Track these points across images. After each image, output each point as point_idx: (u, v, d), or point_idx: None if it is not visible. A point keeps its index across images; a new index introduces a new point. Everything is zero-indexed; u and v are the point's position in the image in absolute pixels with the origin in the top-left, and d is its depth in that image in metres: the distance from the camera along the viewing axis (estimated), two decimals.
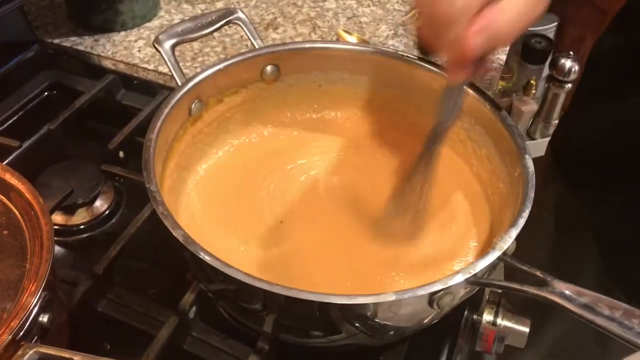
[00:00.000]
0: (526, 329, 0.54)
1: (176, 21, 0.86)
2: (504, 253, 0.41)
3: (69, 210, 0.60)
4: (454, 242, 0.53)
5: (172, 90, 0.52)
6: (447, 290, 0.39)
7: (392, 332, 0.47)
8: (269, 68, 0.57)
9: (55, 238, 0.43)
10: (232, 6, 0.62)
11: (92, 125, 0.71)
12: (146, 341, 0.48)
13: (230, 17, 0.57)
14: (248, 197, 0.56)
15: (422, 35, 0.44)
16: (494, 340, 0.54)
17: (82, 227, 0.61)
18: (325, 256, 0.51)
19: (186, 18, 0.61)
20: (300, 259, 0.51)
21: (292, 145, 0.61)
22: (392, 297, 0.38)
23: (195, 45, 0.81)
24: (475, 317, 0.55)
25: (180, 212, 0.53)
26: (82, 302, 0.51)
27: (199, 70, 0.55)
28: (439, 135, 0.48)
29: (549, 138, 0.85)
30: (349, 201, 0.56)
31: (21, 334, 0.38)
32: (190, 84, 0.52)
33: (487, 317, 0.54)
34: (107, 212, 0.62)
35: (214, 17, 0.56)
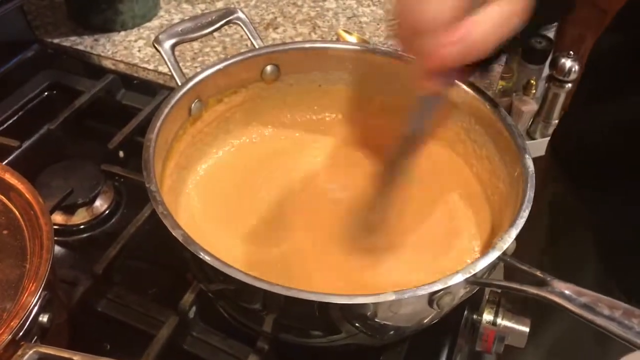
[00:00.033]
0: (526, 329, 0.54)
1: (176, 21, 0.86)
2: (504, 253, 0.41)
3: (69, 210, 0.60)
4: (454, 242, 0.53)
5: (172, 90, 0.52)
6: (446, 290, 0.39)
7: (392, 332, 0.47)
8: (268, 68, 0.57)
9: (55, 238, 0.43)
10: (232, 6, 0.62)
11: (92, 125, 0.71)
12: (146, 341, 0.49)
13: (230, 17, 0.57)
14: (248, 197, 0.56)
15: (399, 43, 0.43)
16: (494, 340, 0.54)
17: (82, 227, 0.61)
18: (325, 257, 0.51)
19: (186, 18, 0.61)
20: (300, 259, 0.51)
21: (292, 146, 0.61)
22: (392, 297, 0.38)
23: (195, 45, 0.81)
24: (475, 317, 0.55)
25: (180, 212, 0.53)
26: (82, 302, 0.51)
27: (198, 70, 0.55)
28: (408, 145, 0.48)
29: (549, 138, 0.85)
30: (349, 201, 0.56)
31: (21, 333, 0.38)
32: (190, 83, 0.52)
33: (487, 316, 0.54)
34: (107, 212, 0.62)
35: (213, 17, 0.56)
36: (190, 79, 0.53)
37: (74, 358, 0.38)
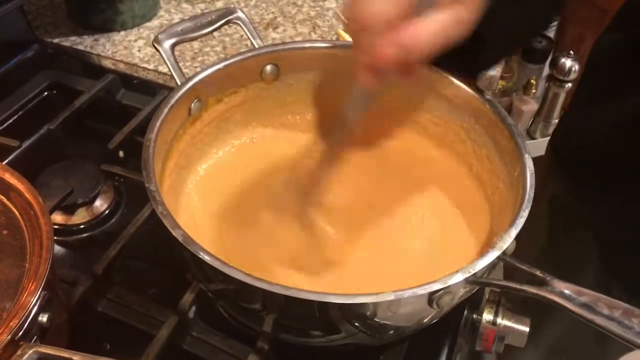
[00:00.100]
0: (526, 329, 0.54)
1: (176, 21, 0.86)
2: (504, 252, 0.41)
3: (69, 209, 0.60)
4: (454, 242, 0.53)
5: (171, 90, 0.52)
6: (446, 290, 0.39)
7: (391, 332, 0.47)
8: (268, 68, 0.57)
9: (55, 238, 0.43)
10: (232, 6, 0.62)
11: (92, 125, 0.71)
12: (146, 341, 0.49)
13: (230, 17, 0.57)
14: (248, 197, 0.56)
15: (349, 36, 0.44)
16: (493, 339, 0.54)
17: (81, 226, 0.61)
18: (325, 256, 0.51)
19: (186, 17, 0.61)
20: (300, 259, 0.51)
21: (292, 146, 0.61)
22: (392, 297, 0.38)
23: (195, 44, 0.81)
24: (475, 316, 0.55)
25: (179, 211, 0.53)
26: (81, 301, 0.51)
27: (198, 70, 0.55)
28: (344, 127, 0.50)
29: (549, 137, 0.85)
30: (349, 201, 0.56)
31: (20, 333, 0.38)
32: (190, 83, 0.52)
33: (487, 316, 0.54)
34: (106, 211, 0.62)
35: (213, 17, 0.56)
36: (190, 78, 0.53)
37: (74, 358, 0.38)
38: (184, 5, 0.89)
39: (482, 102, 0.53)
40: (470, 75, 0.53)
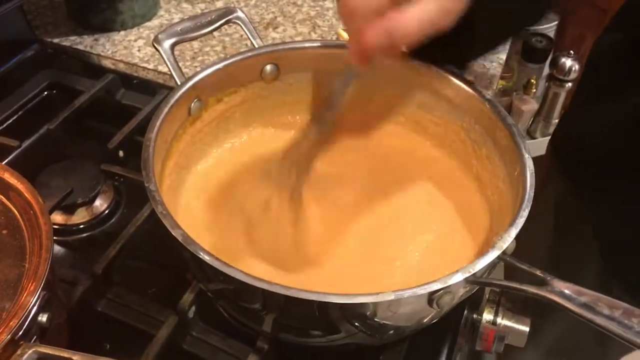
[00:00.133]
0: (526, 328, 0.54)
1: (176, 20, 0.86)
2: (504, 252, 0.41)
3: (69, 209, 0.60)
4: (454, 242, 0.53)
5: (171, 89, 0.52)
6: (446, 290, 0.39)
7: (391, 332, 0.47)
8: (268, 67, 0.57)
9: (55, 237, 0.43)
10: (232, 5, 0.62)
11: (92, 124, 0.71)
12: (146, 341, 0.48)
13: (230, 17, 0.57)
14: (248, 196, 0.56)
15: (342, 21, 0.46)
16: (493, 339, 0.54)
17: (81, 226, 0.61)
18: (325, 255, 0.51)
19: (186, 17, 0.60)
20: (299, 258, 0.51)
21: (293, 146, 0.61)
22: (392, 297, 0.38)
23: (195, 44, 0.81)
24: (475, 316, 0.55)
25: (179, 211, 0.53)
26: (81, 301, 0.51)
27: (198, 69, 0.55)
28: (331, 103, 0.51)
29: (549, 137, 0.85)
30: (350, 200, 0.56)
31: (20, 333, 0.38)
32: (190, 83, 0.52)
33: (487, 316, 0.54)
34: (106, 211, 0.62)
35: (213, 17, 0.56)
36: (190, 78, 0.53)
37: (74, 358, 0.38)
38: (184, 5, 0.89)
39: (482, 101, 0.53)
40: (456, 65, 0.54)
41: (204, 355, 0.50)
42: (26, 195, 0.45)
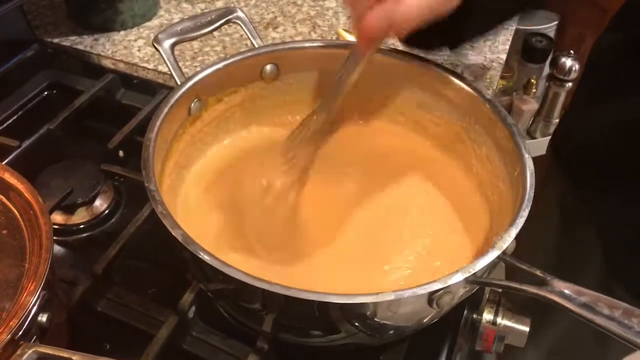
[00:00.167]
0: (526, 328, 0.54)
1: (176, 20, 0.86)
2: (504, 252, 0.41)
3: (69, 209, 0.60)
4: (454, 241, 0.53)
5: (171, 89, 0.52)
6: (446, 290, 0.39)
7: (391, 332, 0.47)
8: (268, 67, 0.57)
9: (55, 237, 0.43)
10: (232, 5, 0.62)
11: (92, 124, 0.71)
12: (146, 341, 0.48)
13: (230, 16, 0.57)
14: (248, 196, 0.56)
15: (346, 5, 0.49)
16: (493, 339, 0.54)
17: (81, 226, 0.61)
18: (324, 254, 0.51)
19: (186, 17, 0.60)
20: (299, 257, 0.51)
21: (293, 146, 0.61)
22: (392, 297, 0.38)
23: (195, 44, 0.81)
24: (475, 316, 0.55)
25: (179, 211, 0.53)
26: (81, 301, 0.51)
27: (198, 69, 0.55)
28: (336, 88, 0.52)
29: (549, 137, 0.85)
30: (348, 199, 0.56)
31: (20, 333, 0.38)
32: (190, 83, 0.52)
33: (487, 316, 0.54)
34: (106, 211, 0.62)
35: (213, 16, 0.56)
36: (190, 78, 0.53)
37: (73, 358, 0.38)
38: (184, 4, 0.89)
39: (482, 101, 0.53)
40: (449, 47, 0.55)
41: (204, 355, 0.50)
42: (26, 195, 0.45)
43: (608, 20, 0.70)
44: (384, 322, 0.42)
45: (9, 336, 0.37)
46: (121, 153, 0.65)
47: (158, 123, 0.49)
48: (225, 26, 0.57)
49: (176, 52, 0.54)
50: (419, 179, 0.58)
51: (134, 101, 0.73)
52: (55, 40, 0.82)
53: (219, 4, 0.90)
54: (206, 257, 0.39)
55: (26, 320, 0.39)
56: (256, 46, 0.57)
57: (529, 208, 0.44)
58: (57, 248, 0.58)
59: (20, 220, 0.45)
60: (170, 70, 0.53)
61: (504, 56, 0.82)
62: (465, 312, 0.54)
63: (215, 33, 0.82)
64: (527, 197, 0.44)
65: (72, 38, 0.82)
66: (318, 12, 0.89)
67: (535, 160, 0.49)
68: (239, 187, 0.56)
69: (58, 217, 0.60)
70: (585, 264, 0.75)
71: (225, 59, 0.55)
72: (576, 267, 0.74)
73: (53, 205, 0.57)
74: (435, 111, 0.58)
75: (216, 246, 0.49)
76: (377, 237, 0.53)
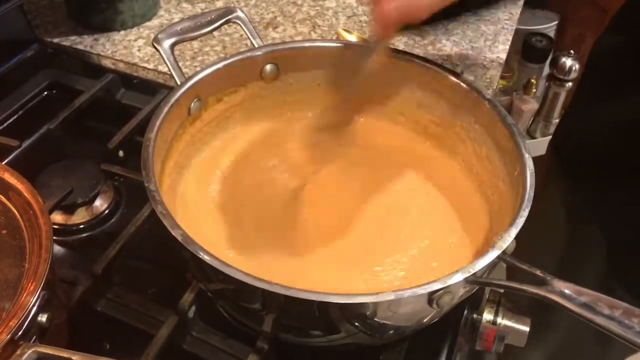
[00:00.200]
0: (526, 328, 0.54)
1: (176, 20, 0.85)
2: (504, 252, 0.41)
3: (69, 209, 0.60)
4: (453, 241, 0.53)
5: (171, 89, 0.52)
6: (446, 290, 0.39)
7: (391, 331, 0.47)
8: (268, 67, 0.57)
9: (55, 237, 0.43)
10: (232, 5, 0.62)
11: (92, 124, 0.71)
12: (146, 341, 0.48)
13: (230, 16, 0.57)
14: (247, 196, 0.56)
15: None
16: (494, 339, 0.54)
17: (81, 226, 0.60)
18: (324, 254, 0.51)
19: (186, 17, 0.60)
20: (298, 256, 0.51)
21: (291, 144, 0.61)
22: (392, 297, 0.38)
23: (195, 44, 0.81)
24: (475, 316, 0.55)
25: (179, 210, 0.53)
26: (81, 301, 0.51)
27: (198, 69, 0.55)
28: (357, 71, 0.55)
29: (549, 137, 0.85)
30: (348, 199, 0.56)
31: (20, 333, 0.38)
32: (190, 83, 0.52)
33: (487, 316, 0.54)
34: (106, 211, 0.62)
35: (213, 16, 0.56)
36: (190, 78, 0.53)
37: (73, 358, 0.38)
38: (184, 4, 0.89)
39: (482, 101, 0.53)
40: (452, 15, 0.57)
41: (204, 355, 0.50)
42: (26, 195, 0.45)
43: (608, 20, 0.70)
44: (384, 322, 0.42)
45: (9, 336, 0.37)
46: (121, 153, 0.65)
47: (158, 123, 0.48)
48: (225, 26, 0.57)
49: (176, 52, 0.54)
50: (419, 179, 0.58)
51: (134, 101, 0.73)
52: (55, 40, 0.82)
53: (219, 4, 0.90)
54: (206, 257, 0.39)
55: (26, 320, 0.39)
56: (256, 46, 0.57)
57: (529, 208, 0.44)
58: (57, 248, 0.58)
59: (20, 220, 0.45)
60: (170, 70, 0.53)
61: (503, 56, 0.82)
62: (466, 312, 0.54)
63: (215, 33, 0.82)
64: (527, 197, 0.44)
65: (72, 38, 0.82)
66: (318, 12, 0.89)
67: (535, 160, 0.49)
68: (239, 187, 0.56)
69: (58, 217, 0.60)
70: (586, 264, 0.75)
71: (225, 58, 0.55)
72: (577, 267, 0.75)
73: (53, 205, 0.57)
74: (435, 111, 0.58)
75: (216, 246, 0.49)
76: (376, 237, 0.53)
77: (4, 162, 0.60)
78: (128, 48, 0.81)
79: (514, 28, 0.87)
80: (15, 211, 0.45)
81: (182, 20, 0.55)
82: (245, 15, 0.58)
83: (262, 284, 0.38)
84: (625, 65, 0.65)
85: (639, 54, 0.63)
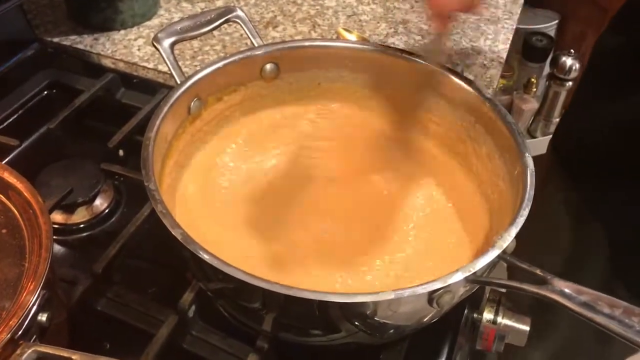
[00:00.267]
0: (526, 328, 0.54)
1: (176, 19, 0.85)
2: (504, 251, 0.41)
3: (69, 209, 0.60)
4: (454, 241, 0.53)
5: (171, 88, 0.52)
6: (446, 289, 0.39)
7: (391, 331, 0.47)
8: (268, 66, 0.57)
9: (55, 237, 0.43)
10: (232, 4, 0.62)
11: (92, 124, 0.71)
12: (146, 340, 0.48)
13: (230, 16, 0.57)
14: (247, 195, 0.56)
15: None
16: (494, 338, 0.54)
17: (81, 226, 0.60)
18: (324, 253, 0.51)
19: (185, 16, 0.60)
20: (299, 256, 0.51)
21: (291, 144, 0.61)
22: (392, 296, 0.38)
23: (195, 43, 0.81)
24: (475, 315, 0.55)
25: (179, 210, 0.53)
26: (81, 301, 0.51)
27: (198, 68, 0.55)
28: (438, 41, 0.57)
29: (549, 136, 0.85)
30: (348, 197, 0.56)
31: (20, 332, 0.38)
32: (190, 82, 0.52)
33: (488, 315, 0.54)
34: (106, 210, 0.62)
35: (213, 16, 0.56)
36: (190, 77, 0.53)
37: (73, 357, 0.38)
38: (184, 4, 0.89)
39: (482, 101, 0.53)
40: None
41: (204, 354, 0.50)
42: (26, 194, 0.45)
43: (608, 19, 0.70)
44: (384, 321, 0.42)
45: (9, 335, 0.37)
46: (121, 152, 0.65)
47: (158, 122, 0.48)
48: (225, 25, 0.57)
49: (176, 52, 0.54)
50: (419, 178, 0.58)
51: (134, 100, 0.73)
52: (55, 40, 0.82)
53: (219, 3, 0.90)
54: (206, 257, 0.39)
55: (26, 320, 0.39)
56: (256, 45, 0.57)
57: (529, 207, 0.44)
58: (57, 247, 0.58)
59: (20, 219, 0.45)
60: (170, 70, 0.53)
61: (504, 55, 0.82)
62: (466, 311, 0.54)
63: (215, 32, 0.82)
64: (527, 196, 0.44)
65: (72, 37, 0.82)
66: (318, 11, 0.89)
67: (536, 159, 0.48)
68: (239, 186, 0.56)
69: (58, 217, 0.60)
70: (586, 263, 0.75)
71: (225, 58, 0.55)
72: (577, 266, 0.74)
73: (53, 205, 0.57)
74: (436, 111, 0.58)
75: (216, 245, 0.49)
76: (376, 236, 0.53)
77: (3, 162, 0.60)
78: (128, 47, 0.81)
79: (514, 27, 0.87)
80: (15, 210, 0.45)
81: (182, 19, 0.55)
82: (245, 14, 0.58)
83: (262, 283, 0.38)
84: (626, 65, 0.65)
85: (639, 53, 0.63)
